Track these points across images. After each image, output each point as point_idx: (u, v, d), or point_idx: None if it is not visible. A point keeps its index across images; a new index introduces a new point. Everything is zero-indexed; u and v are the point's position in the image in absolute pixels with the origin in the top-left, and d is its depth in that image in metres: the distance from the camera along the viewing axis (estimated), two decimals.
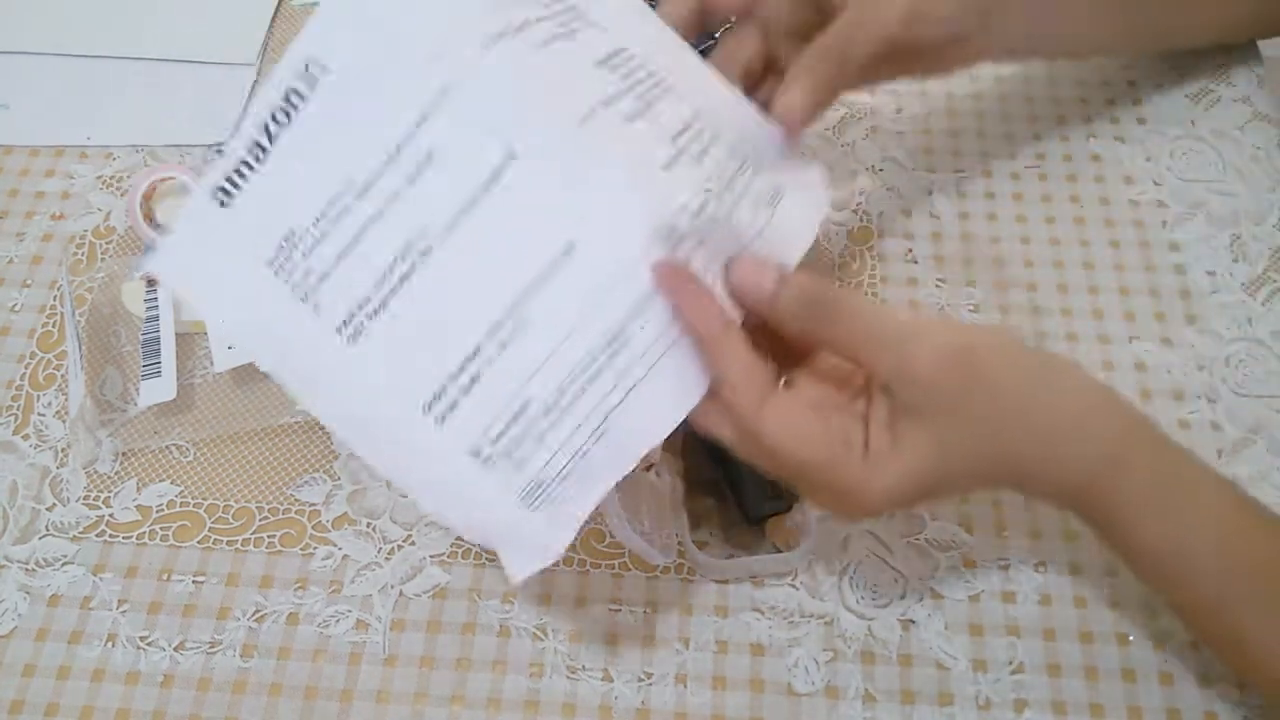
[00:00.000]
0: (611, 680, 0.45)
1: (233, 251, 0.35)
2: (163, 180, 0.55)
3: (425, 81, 0.35)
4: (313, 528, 0.49)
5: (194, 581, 0.48)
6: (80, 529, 0.49)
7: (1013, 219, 0.57)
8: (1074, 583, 0.46)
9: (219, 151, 0.61)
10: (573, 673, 0.45)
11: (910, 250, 0.56)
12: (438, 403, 0.37)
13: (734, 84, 0.45)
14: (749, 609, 0.46)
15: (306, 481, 0.50)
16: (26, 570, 0.48)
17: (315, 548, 0.48)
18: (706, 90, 0.43)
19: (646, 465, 0.45)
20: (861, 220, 0.57)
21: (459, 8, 0.36)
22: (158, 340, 0.51)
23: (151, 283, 0.53)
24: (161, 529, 0.49)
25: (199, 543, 0.48)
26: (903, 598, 0.46)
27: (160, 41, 0.65)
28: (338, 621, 0.46)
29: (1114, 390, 0.40)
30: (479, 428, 0.37)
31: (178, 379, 0.50)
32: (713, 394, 0.38)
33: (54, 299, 0.56)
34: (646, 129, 0.38)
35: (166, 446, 0.51)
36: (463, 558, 0.48)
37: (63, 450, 0.51)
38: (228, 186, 0.35)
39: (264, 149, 0.34)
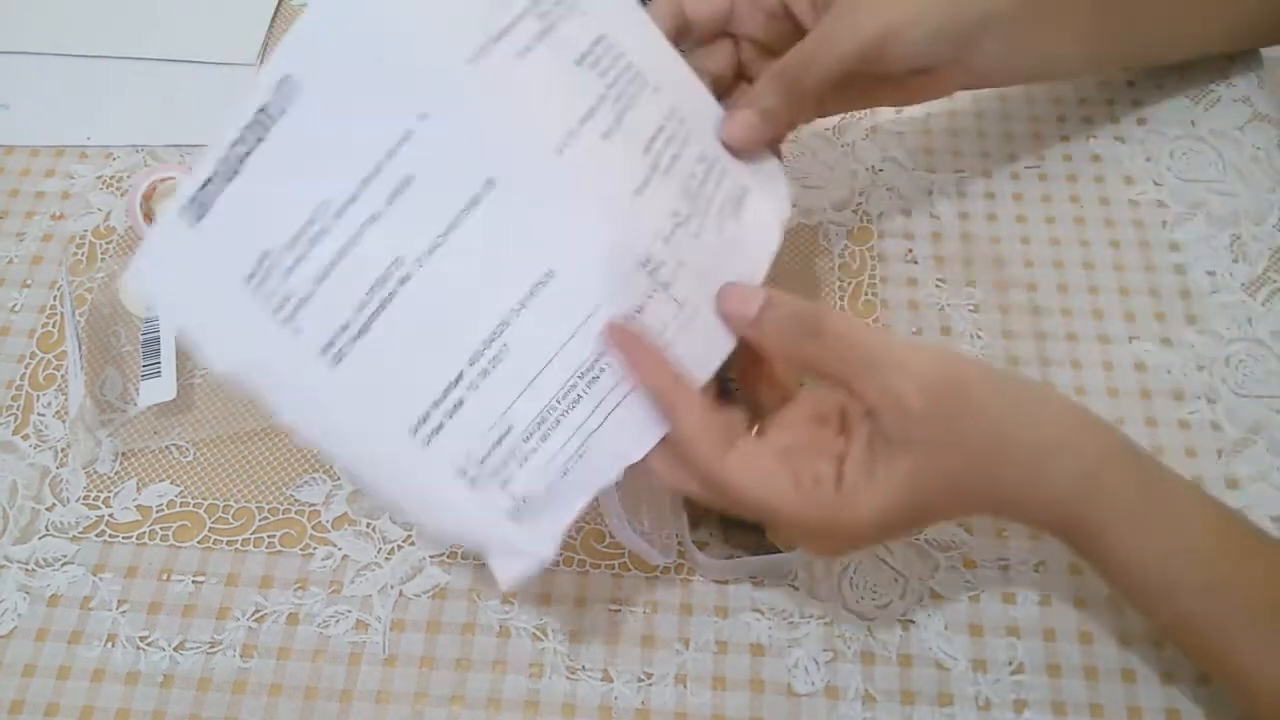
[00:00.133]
0: (611, 680, 0.45)
1: (206, 270, 0.34)
2: (163, 180, 0.55)
3: (404, 106, 0.35)
4: (313, 528, 0.49)
5: (194, 581, 0.48)
6: (80, 529, 0.49)
7: (1013, 219, 0.57)
8: (1074, 583, 0.46)
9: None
10: (573, 673, 0.45)
11: (910, 250, 0.56)
12: (424, 426, 0.37)
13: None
14: (749, 609, 0.46)
15: (306, 481, 0.50)
16: (26, 570, 0.48)
17: (315, 548, 0.48)
18: (680, 83, 0.44)
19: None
20: (861, 220, 0.57)
21: (438, 25, 0.36)
22: (158, 340, 0.51)
23: None
24: (161, 529, 0.49)
25: (199, 543, 0.49)
26: (903, 598, 0.46)
27: (160, 41, 0.65)
28: (338, 621, 0.46)
29: (1091, 413, 0.40)
30: (464, 450, 0.37)
31: (178, 379, 0.50)
32: (675, 448, 0.38)
33: (54, 299, 0.56)
34: (621, 146, 0.39)
35: (166, 446, 0.51)
36: (462, 558, 0.48)
37: (63, 450, 0.51)
38: (201, 199, 0.34)
39: (235, 166, 0.34)
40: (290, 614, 0.47)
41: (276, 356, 0.35)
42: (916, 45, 0.46)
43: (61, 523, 0.49)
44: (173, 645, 0.46)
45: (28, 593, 0.47)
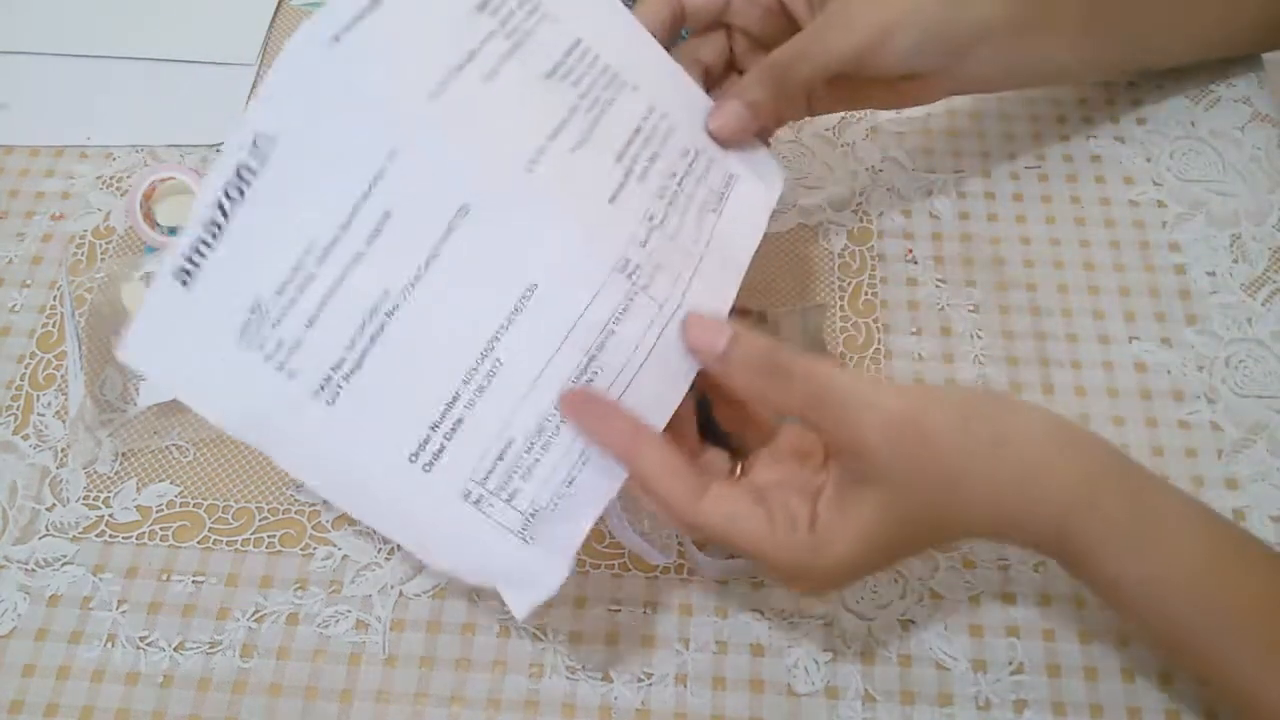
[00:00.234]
0: (611, 680, 0.45)
1: (200, 330, 0.35)
2: (163, 180, 0.55)
3: (373, 147, 0.36)
4: (313, 528, 0.49)
5: (194, 581, 0.48)
6: (80, 529, 0.49)
7: (1013, 219, 0.57)
8: (1074, 583, 0.46)
9: (218, 152, 0.61)
10: (573, 673, 0.45)
11: (910, 250, 0.56)
12: (423, 451, 0.37)
13: (694, 80, 0.45)
14: (749, 609, 0.46)
15: None
16: (26, 570, 0.48)
17: (315, 548, 0.48)
18: (662, 76, 0.44)
19: None
20: (861, 220, 0.57)
21: (400, 65, 0.37)
22: None
23: None
24: (161, 529, 0.49)
25: (199, 543, 0.49)
26: (903, 598, 0.46)
27: (160, 41, 0.65)
28: (338, 621, 0.46)
29: (1081, 431, 0.39)
30: (467, 470, 0.37)
31: None
32: (650, 497, 0.39)
33: (54, 299, 0.56)
34: (592, 157, 0.40)
35: (166, 446, 0.51)
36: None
37: (63, 450, 0.51)
38: (188, 266, 0.34)
39: (220, 226, 0.34)
40: (290, 614, 0.47)
41: (273, 403, 0.36)
42: (907, 51, 0.46)
43: (61, 523, 0.49)
44: (173, 645, 0.46)
45: (28, 593, 0.47)
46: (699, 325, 0.39)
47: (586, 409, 0.38)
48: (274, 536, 0.49)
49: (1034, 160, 0.59)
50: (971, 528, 0.39)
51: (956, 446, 0.37)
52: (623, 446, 0.38)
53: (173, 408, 0.51)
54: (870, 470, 0.37)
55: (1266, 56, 0.61)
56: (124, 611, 0.47)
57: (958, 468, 0.37)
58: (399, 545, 0.38)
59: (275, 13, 0.67)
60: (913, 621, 0.46)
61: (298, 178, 0.35)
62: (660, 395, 0.40)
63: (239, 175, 0.34)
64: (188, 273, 0.35)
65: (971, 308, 0.54)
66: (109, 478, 0.50)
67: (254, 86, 0.63)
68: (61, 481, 0.50)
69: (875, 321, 0.53)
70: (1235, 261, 0.54)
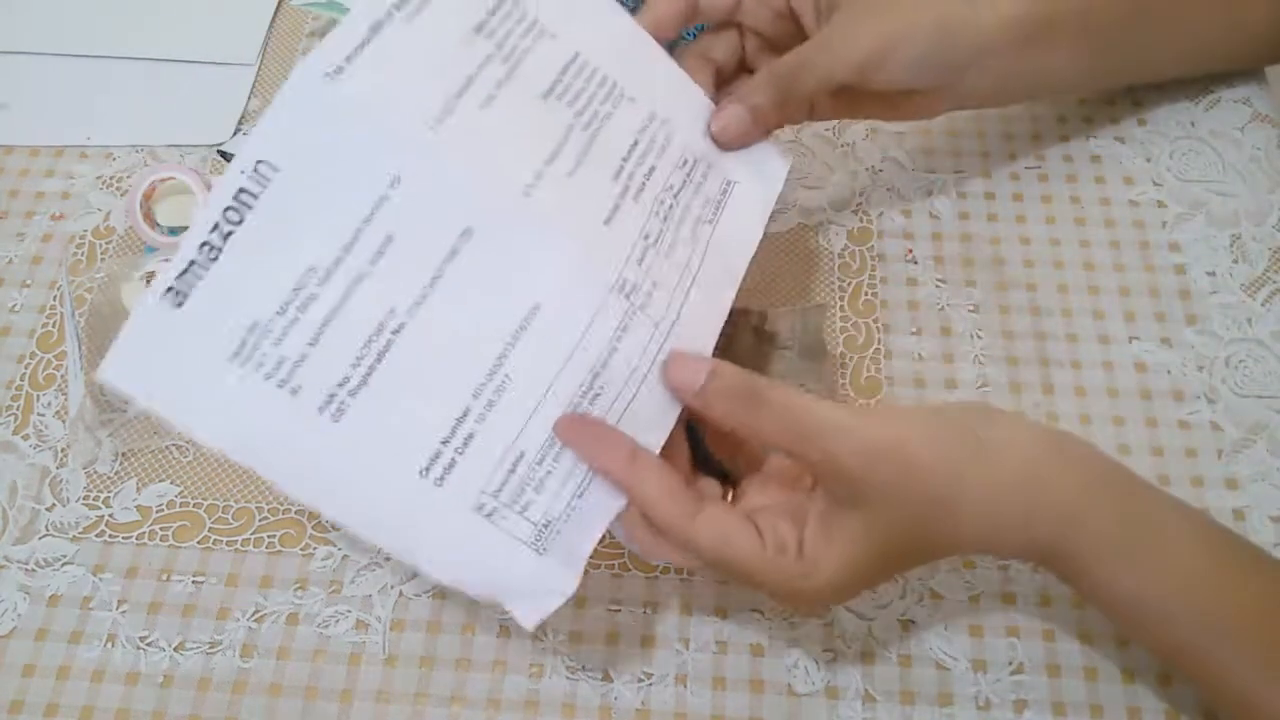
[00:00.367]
0: (611, 680, 0.45)
1: (194, 350, 0.35)
2: (163, 180, 0.55)
3: (375, 175, 0.36)
4: (313, 528, 0.49)
5: (194, 582, 0.48)
6: (80, 529, 0.49)
7: (1013, 219, 0.57)
8: None
9: (220, 153, 0.61)
10: (573, 673, 0.45)
11: (910, 250, 0.56)
12: (435, 465, 0.37)
13: (703, 80, 0.46)
14: (749, 609, 0.46)
15: None
16: (26, 570, 0.48)
17: (315, 548, 0.48)
18: (662, 81, 0.44)
19: None
20: (861, 220, 0.57)
21: (402, 94, 0.37)
22: None
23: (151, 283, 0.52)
24: (161, 529, 0.49)
25: (199, 543, 0.49)
26: (903, 598, 0.46)
27: (160, 41, 0.65)
28: (337, 621, 0.46)
29: (1071, 442, 0.39)
30: (479, 483, 0.38)
31: None
32: (647, 519, 0.39)
33: (54, 299, 0.56)
34: (588, 179, 0.40)
35: (166, 446, 0.51)
36: None
37: (63, 450, 0.51)
38: (181, 287, 0.34)
39: (217, 248, 0.34)
40: (290, 614, 0.47)
41: (274, 421, 0.36)
42: (908, 68, 0.47)
43: (61, 523, 0.49)
44: (173, 645, 0.46)
45: (28, 593, 0.47)
46: (678, 363, 0.40)
47: (582, 434, 0.38)
48: (274, 536, 0.49)
49: (1034, 160, 0.59)
50: (961, 544, 0.39)
51: (941, 464, 0.37)
52: (619, 470, 0.38)
53: None
54: (853, 494, 0.37)
55: None
56: (124, 611, 0.47)
57: (943, 486, 0.37)
58: (404, 561, 0.38)
59: (275, 13, 0.67)
60: (913, 621, 0.46)
61: (299, 203, 0.35)
62: (662, 409, 0.40)
63: (238, 200, 0.35)
64: (181, 294, 0.34)
65: (971, 308, 0.54)
66: (109, 478, 0.50)
67: (254, 86, 0.63)
68: (61, 481, 0.50)
69: (875, 321, 0.53)
70: (1235, 261, 0.54)
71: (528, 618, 0.38)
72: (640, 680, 0.45)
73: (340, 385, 0.36)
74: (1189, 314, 0.53)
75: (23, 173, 0.60)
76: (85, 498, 0.50)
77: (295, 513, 0.49)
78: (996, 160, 0.59)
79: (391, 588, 0.47)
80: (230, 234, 0.35)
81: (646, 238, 0.41)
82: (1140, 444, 0.50)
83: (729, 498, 0.41)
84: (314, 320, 0.36)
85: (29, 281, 0.56)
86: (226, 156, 0.60)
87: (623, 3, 0.44)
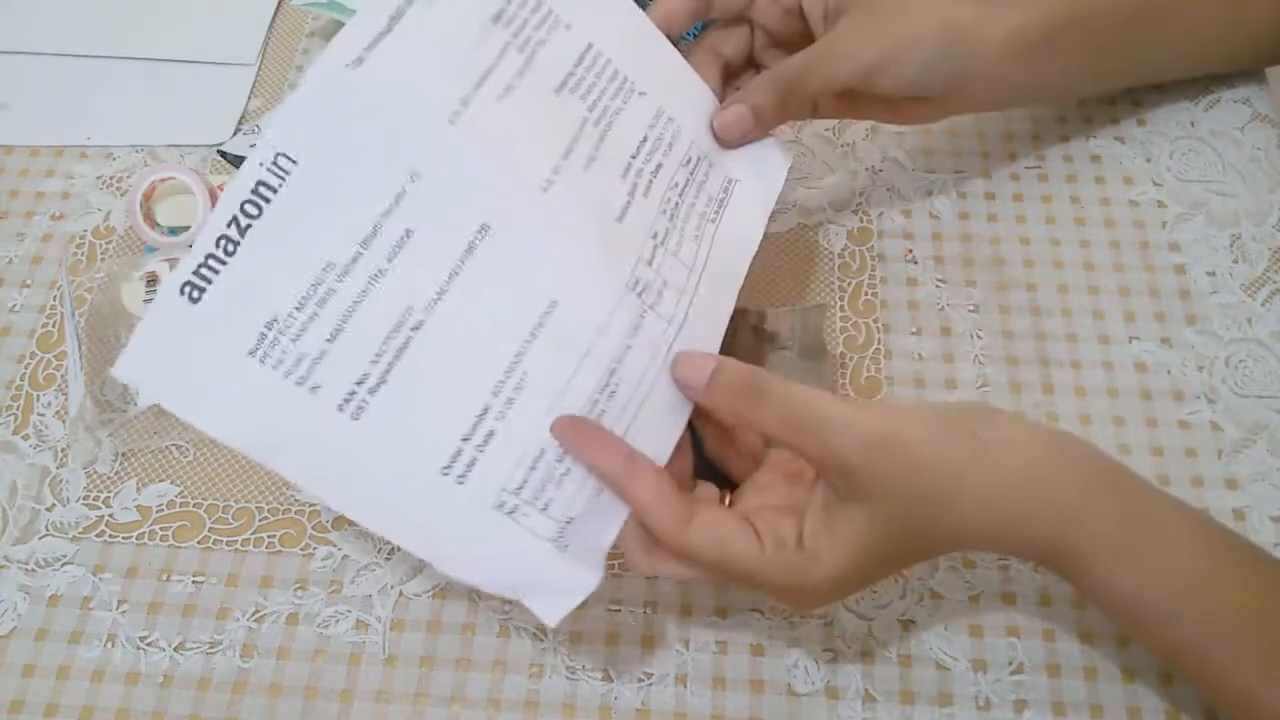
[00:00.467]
0: (611, 680, 0.45)
1: (211, 347, 0.34)
2: (163, 180, 0.55)
3: (394, 170, 0.36)
4: (313, 528, 0.49)
5: (194, 582, 0.48)
6: (80, 529, 0.49)
7: (1013, 219, 0.57)
8: None
9: (220, 153, 0.61)
10: (573, 673, 0.45)
11: (910, 250, 0.56)
12: (456, 462, 0.37)
13: (711, 74, 0.46)
14: (749, 609, 0.46)
15: None
16: (26, 570, 0.48)
17: (315, 548, 0.48)
18: (670, 76, 0.44)
19: None
20: (861, 220, 0.57)
21: (422, 84, 0.37)
22: None
23: (151, 282, 0.53)
24: (161, 529, 0.49)
25: (199, 543, 0.49)
26: (903, 598, 0.46)
27: (160, 41, 0.65)
28: (338, 621, 0.46)
29: (1071, 441, 0.39)
30: (500, 481, 0.37)
31: None
32: (640, 525, 0.39)
33: (54, 299, 0.56)
34: (602, 175, 0.40)
35: (166, 446, 0.51)
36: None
37: (63, 450, 0.51)
38: (197, 282, 0.34)
39: (234, 242, 0.34)
40: (290, 614, 0.47)
41: (293, 419, 0.35)
42: (912, 75, 0.47)
43: (61, 523, 0.49)
44: (173, 645, 0.46)
45: (28, 593, 0.47)
46: (686, 362, 0.40)
47: (579, 436, 0.38)
48: (274, 536, 0.49)
49: (1034, 160, 0.59)
50: (960, 540, 0.39)
51: (942, 461, 0.37)
52: (616, 472, 0.38)
53: None
54: (853, 488, 0.37)
55: None
56: (124, 611, 0.47)
57: (943, 485, 0.37)
58: (423, 559, 0.38)
59: (275, 13, 0.67)
60: (913, 621, 0.46)
61: (318, 197, 0.35)
62: (672, 407, 0.40)
63: (257, 193, 0.34)
64: (197, 288, 0.34)
65: (971, 308, 0.54)
66: (109, 478, 0.50)
67: (254, 86, 0.63)
68: (61, 481, 0.50)
69: (875, 321, 0.53)
70: (1235, 261, 0.54)
71: (550, 615, 0.38)
72: (640, 680, 0.45)
73: (359, 383, 0.36)
74: (1189, 314, 0.53)
75: (23, 173, 0.60)
76: (85, 498, 0.50)
77: (295, 513, 0.49)
78: (996, 160, 0.59)
79: (391, 588, 0.47)
80: (248, 227, 0.34)
81: (655, 236, 0.41)
82: (1140, 444, 0.50)
83: (726, 502, 0.41)
84: (332, 316, 0.35)
85: (29, 281, 0.56)
86: (226, 156, 0.60)
87: None
